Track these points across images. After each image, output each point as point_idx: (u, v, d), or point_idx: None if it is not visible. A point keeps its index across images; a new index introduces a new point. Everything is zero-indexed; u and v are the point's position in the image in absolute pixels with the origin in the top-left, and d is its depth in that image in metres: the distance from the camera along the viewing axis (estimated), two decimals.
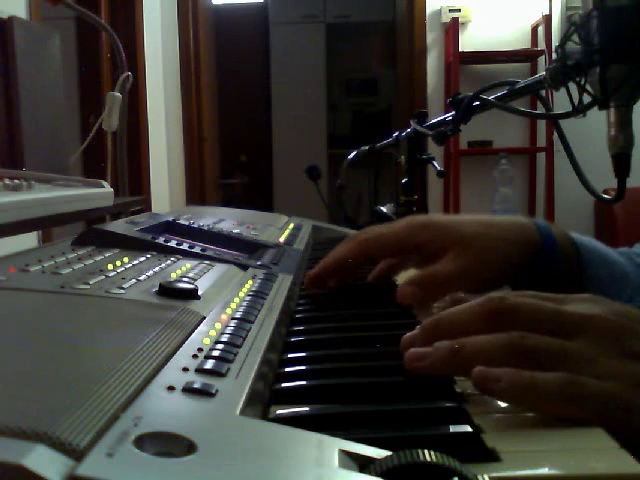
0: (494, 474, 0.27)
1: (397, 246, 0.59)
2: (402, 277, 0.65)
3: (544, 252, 0.58)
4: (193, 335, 0.39)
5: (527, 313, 0.38)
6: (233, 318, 0.44)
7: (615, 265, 0.61)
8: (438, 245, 0.57)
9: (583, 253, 0.60)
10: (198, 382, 0.31)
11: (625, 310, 0.38)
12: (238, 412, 0.29)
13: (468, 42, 3.53)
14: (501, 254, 0.57)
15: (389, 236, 0.59)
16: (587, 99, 0.70)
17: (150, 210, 1.96)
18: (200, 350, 0.36)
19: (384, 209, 1.40)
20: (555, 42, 3.34)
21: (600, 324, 0.37)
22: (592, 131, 2.12)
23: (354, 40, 5.61)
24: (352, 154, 1.57)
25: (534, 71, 3.54)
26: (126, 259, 0.57)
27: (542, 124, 3.52)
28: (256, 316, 0.46)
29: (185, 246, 0.66)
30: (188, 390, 0.30)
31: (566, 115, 0.76)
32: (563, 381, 0.33)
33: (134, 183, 2.47)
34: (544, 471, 0.28)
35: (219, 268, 0.60)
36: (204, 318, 0.43)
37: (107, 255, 0.59)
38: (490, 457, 0.29)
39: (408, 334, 0.41)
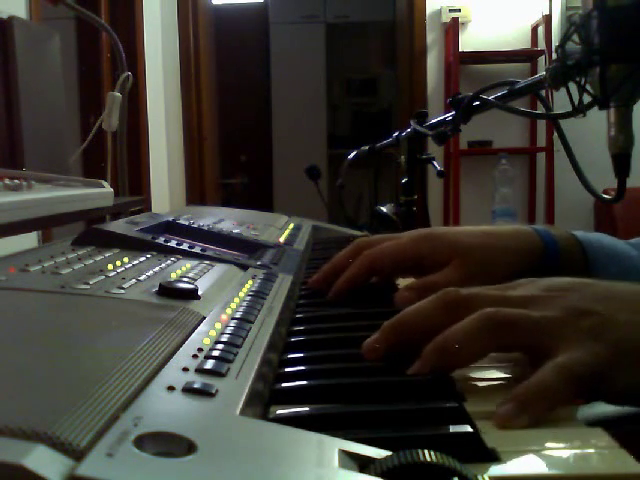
0: (494, 474, 0.27)
1: (400, 258, 0.59)
2: (403, 282, 0.65)
3: (547, 258, 0.58)
4: (193, 335, 0.39)
5: (480, 301, 0.41)
6: (233, 318, 0.44)
7: (626, 260, 0.60)
8: (440, 256, 0.57)
9: (589, 252, 0.60)
10: (198, 382, 0.31)
11: (563, 281, 0.42)
12: (238, 412, 0.29)
13: (468, 42, 3.53)
14: (503, 264, 0.57)
15: (393, 248, 0.60)
16: (587, 99, 0.70)
17: (150, 210, 1.96)
18: (200, 350, 0.36)
19: (384, 209, 1.39)
20: (555, 42, 3.34)
21: (540, 300, 0.40)
22: (592, 131, 2.12)
23: (354, 40, 5.61)
24: (352, 154, 1.57)
25: (534, 71, 3.54)
26: (126, 259, 0.57)
27: (542, 124, 3.52)
28: (256, 316, 0.46)
29: (185, 246, 0.66)
30: (188, 390, 0.30)
31: (566, 115, 0.76)
32: (555, 370, 0.35)
33: (134, 183, 2.47)
34: (544, 471, 0.28)
35: (219, 268, 0.60)
36: (204, 318, 0.43)
37: (107, 255, 0.59)
38: (490, 457, 0.29)
39: (369, 340, 0.42)
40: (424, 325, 0.41)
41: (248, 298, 0.50)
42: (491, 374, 0.41)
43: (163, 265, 0.57)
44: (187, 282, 0.50)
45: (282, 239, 0.86)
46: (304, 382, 0.38)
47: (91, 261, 0.55)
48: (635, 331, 0.37)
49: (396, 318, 0.42)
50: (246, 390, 0.32)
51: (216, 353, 0.35)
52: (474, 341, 0.38)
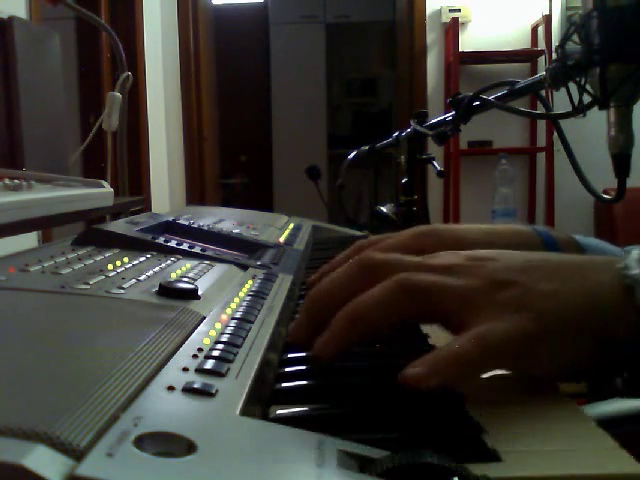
0: (494, 474, 0.27)
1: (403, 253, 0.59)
2: None
3: None
4: (193, 335, 0.39)
5: (396, 266, 0.40)
6: (233, 318, 0.44)
7: None
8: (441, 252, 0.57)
9: (589, 252, 0.60)
10: (198, 382, 0.31)
11: (487, 251, 0.42)
12: (238, 412, 0.29)
13: (468, 42, 3.53)
14: None
15: (395, 245, 0.60)
16: (587, 99, 0.70)
17: (150, 210, 1.96)
18: (200, 350, 0.36)
19: (384, 209, 1.39)
20: (555, 42, 3.34)
21: (460, 269, 0.39)
22: (592, 131, 2.13)
23: (354, 40, 5.61)
24: (352, 154, 1.57)
25: (534, 71, 3.54)
26: (126, 259, 0.57)
27: (542, 124, 3.52)
28: (256, 316, 0.46)
29: (185, 246, 0.66)
30: (188, 390, 0.30)
31: (566, 115, 0.76)
32: (473, 339, 0.35)
33: (134, 183, 2.47)
34: (544, 471, 0.28)
35: (219, 268, 0.60)
36: (204, 318, 0.43)
37: (107, 255, 0.59)
38: (490, 457, 0.29)
39: (292, 324, 0.42)
40: (341, 294, 0.39)
41: (248, 298, 0.50)
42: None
43: (163, 265, 0.57)
44: (187, 282, 0.50)
45: (282, 239, 0.86)
46: (304, 382, 0.38)
47: (91, 261, 0.55)
48: (558, 301, 0.36)
49: (312, 290, 0.42)
50: (246, 390, 0.32)
51: (216, 353, 0.35)
52: (385, 307, 0.37)
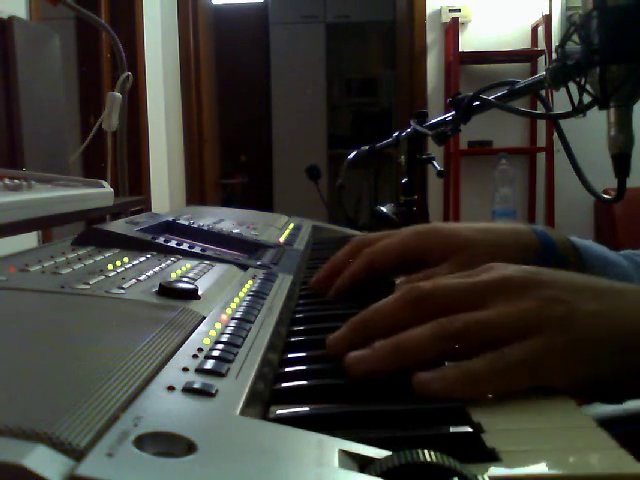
0: (494, 474, 0.27)
1: (402, 254, 0.59)
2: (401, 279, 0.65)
3: (543, 257, 0.58)
4: (193, 335, 0.39)
5: (443, 295, 0.41)
6: (233, 318, 0.44)
7: (617, 269, 0.60)
8: (441, 251, 0.57)
9: (585, 257, 0.60)
10: (198, 382, 0.31)
11: (536, 268, 0.42)
12: (238, 412, 0.29)
13: (468, 42, 3.53)
14: (501, 259, 0.57)
15: (394, 244, 0.59)
16: (587, 99, 0.70)
17: (150, 210, 1.96)
18: (200, 350, 0.36)
19: (384, 209, 1.39)
20: (555, 42, 3.34)
21: (509, 282, 0.40)
22: (592, 131, 2.13)
23: (354, 40, 5.61)
24: (352, 154, 1.57)
25: (534, 71, 3.54)
26: (126, 259, 0.57)
27: (542, 124, 3.52)
28: (256, 316, 0.46)
29: (185, 246, 0.66)
30: (188, 390, 0.30)
31: (566, 115, 0.76)
32: (490, 360, 0.36)
33: (134, 183, 2.47)
34: (544, 471, 0.28)
35: (219, 268, 0.60)
36: (204, 318, 0.43)
37: (107, 255, 0.59)
38: (490, 457, 0.29)
39: (334, 335, 0.42)
40: (387, 324, 0.41)
41: (248, 298, 0.50)
42: None
43: (163, 265, 0.57)
44: (187, 282, 0.50)
45: (282, 239, 0.86)
46: (304, 382, 0.38)
47: (91, 261, 0.55)
48: (602, 321, 0.37)
49: (361, 316, 0.42)
50: (246, 390, 0.32)
51: (216, 353, 0.35)
52: (428, 351, 0.38)
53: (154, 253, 0.62)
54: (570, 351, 0.36)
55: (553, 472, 0.28)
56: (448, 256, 0.57)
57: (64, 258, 0.55)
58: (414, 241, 0.59)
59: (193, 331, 0.40)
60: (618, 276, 0.60)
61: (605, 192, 0.80)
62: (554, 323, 0.37)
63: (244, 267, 0.64)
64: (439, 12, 3.60)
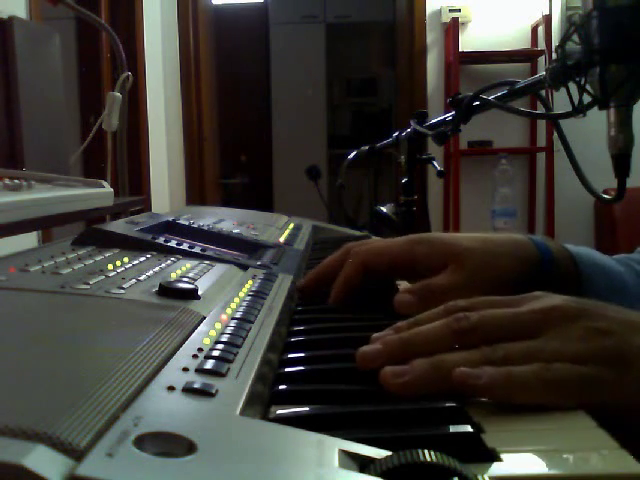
0: (494, 474, 0.27)
1: (396, 260, 0.58)
2: (403, 284, 0.65)
3: (542, 267, 0.58)
4: (193, 335, 0.39)
5: (489, 325, 0.40)
6: (233, 318, 0.44)
7: (614, 275, 0.60)
8: (437, 260, 0.56)
9: (581, 266, 0.60)
10: (198, 382, 0.31)
11: (581, 299, 0.41)
12: (238, 412, 0.29)
13: (468, 42, 3.53)
14: (499, 269, 0.57)
15: (387, 251, 0.59)
16: (587, 99, 0.70)
17: (150, 210, 1.96)
18: (200, 350, 0.36)
19: (384, 209, 1.39)
20: (555, 42, 3.34)
21: (557, 313, 0.39)
22: (592, 131, 2.12)
23: (354, 40, 5.61)
24: (352, 154, 1.57)
25: (534, 71, 3.54)
26: (126, 259, 0.57)
27: (542, 124, 3.52)
28: (256, 316, 0.46)
29: (185, 246, 0.66)
30: (188, 390, 0.30)
31: (566, 115, 0.76)
32: (538, 368, 0.35)
33: (134, 183, 2.47)
34: (544, 471, 0.28)
35: (219, 268, 0.60)
36: (204, 318, 0.43)
37: (107, 255, 0.59)
38: (490, 457, 0.29)
39: (367, 348, 0.40)
40: (428, 349, 0.39)
41: (248, 298, 0.50)
42: None
43: (163, 265, 0.57)
44: (187, 282, 0.50)
45: (282, 239, 0.86)
46: (304, 382, 0.38)
47: (91, 261, 0.55)
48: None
49: (404, 338, 0.41)
50: (246, 390, 0.32)
51: (216, 353, 0.35)
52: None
53: (154, 253, 0.62)
54: (618, 382, 0.36)
55: (553, 472, 0.28)
56: (443, 264, 0.56)
57: (64, 258, 0.55)
58: (407, 247, 0.58)
59: (193, 331, 0.40)
60: (614, 282, 0.60)
61: (605, 192, 0.80)
62: (605, 354, 0.36)
63: (244, 267, 0.64)
64: (439, 12, 3.60)
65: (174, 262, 0.60)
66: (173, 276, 0.54)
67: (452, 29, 3.47)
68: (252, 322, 0.44)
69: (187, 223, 0.81)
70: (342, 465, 0.25)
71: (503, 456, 0.29)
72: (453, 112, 1.06)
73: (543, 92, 0.92)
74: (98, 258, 0.57)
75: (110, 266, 0.54)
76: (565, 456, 0.29)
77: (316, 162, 1.92)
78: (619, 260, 0.63)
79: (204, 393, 0.30)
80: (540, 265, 0.58)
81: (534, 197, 3.68)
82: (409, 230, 1.28)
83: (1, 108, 1.25)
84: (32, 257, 0.53)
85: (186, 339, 0.38)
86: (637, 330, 0.38)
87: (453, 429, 0.31)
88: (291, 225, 1.02)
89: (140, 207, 1.55)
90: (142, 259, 0.59)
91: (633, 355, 0.36)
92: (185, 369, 0.33)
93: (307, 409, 0.34)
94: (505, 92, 0.97)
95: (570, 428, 0.32)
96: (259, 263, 0.66)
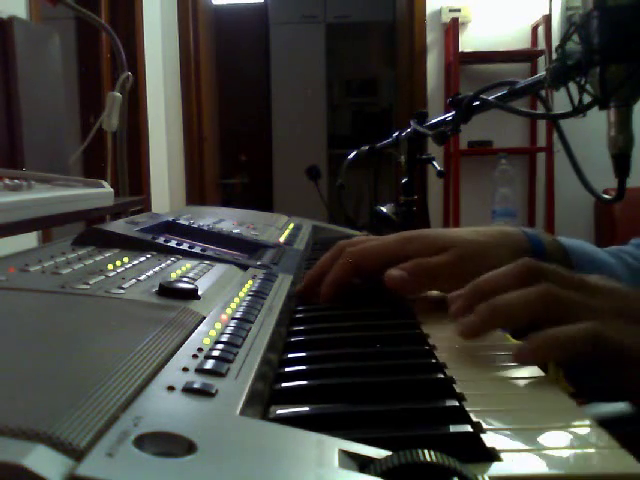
0: (494, 474, 0.27)
1: (385, 256, 0.58)
2: None
3: (534, 257, 0.59)
4: (193, 335, 0.39)
5: (555, 274, 0.45)
6: (233, 318, 0.44)
7: (604, 267, 0.61)
8: (428, 253, 0.57)
9: (573, 257, 0.61)
10: (198, 382, 0.31)
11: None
12: (238, 412, 0.29)
13: (468, 42, 3.53)
14: (490, 259, 0.57)
15: (379, 248, 0.59)
16: (587, 99, 0.70)
17: (150, 210, 1.96)
18: (200, 350, 0.36)
19: (384, 209, 1.39)
20: (555, 42, 3.33)
21: (614, 290, 0.45)
22: (592, 131, 2.13)
23: (354, 40, 5.61)
24: (352, 154, 1.57)
25: (534, 71, 3.54)
26: (126, 259, 0.57)
27: (542, 124, 3.52)
28: (256, 316, 0.46)
29: (185, 246, 0.66)
30: (188, 390, 0.30)
31: (566, 115, 0.76)
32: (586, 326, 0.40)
33: (134, 183, 2.47)
34: (544, 471, 0.28)
35: (219, 268, 0.60)
36: (204, 318, 0.43)
37: (107, 255, 0.59)
38: (490, 457, 0.29)
39: (455, 292, 0.48)
40: (499, 293, 0.44)
41: (248, 298, 0.50)
42: (491, 374, 0.41)
43: (163, 265, 0.57)
44: (187, 282, 0.50)
45: (282, 239, 0.86)
46: (304, 382, 0.38)
47: (91, 261, 0.55)
48: None
49: (474, 283, 0.47)
50: (246, 390, 0.32)
51: (216, 353, 0.35)
52: (523, 309, 0.43)
53: (154, 253, 0.62)
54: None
55: (553, 472, 0.28)
56: (438, 253, 0.56)
57: (64, 258, 0.55)
58: (399, 244, 0.59)
59: (193, 331, 0.40)
60: (605, 274, 0.60)
61: (605, 192, 0.80)
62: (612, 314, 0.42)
63: (244, 267, 0.64)
64: (439, 12, 3.60)
65: (174, 262, 0.60)
66: (173, 276, 0.54)
67: (452, 29, 3.47)
68: (252, 322, 0.44)
69: (187, 223, 0.81)
70: (342, 465, 0.25)
71: (503, 456, 0.29)
72: (453, 112, 1.06)
73: (543, 92, 0.92)
74: (98, 258, 0.57)
75: (110, 266, 0.54)
76: (565, 456, 0.29)
77: (316, 162, 1.92)
78: (611, 252, 0.64)
79: (204, 393, 0.30)
80: (531, 255, 0.58)
81: (534, 197, 3.68)
82: (409, 230, 1.28)
83: (1, 108, 1.25)
84: (32, 257, 0.53)
85: (186, 339, 0.38)
86: None
87: (453, 429, 0.31)
88: (291, 225, 1.02)
89: (140, 207, 1.55)
90: (142, 259, 0.59)
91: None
92: (185, 369, 0.33)
93: (307, 409, 0.34)
94: (505, 92, 0.97)
95: (570, 428, 0.32)
96: (259, 263, 0.66)
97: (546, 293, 0.43)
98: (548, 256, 0.59)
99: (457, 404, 0.34)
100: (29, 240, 1.67)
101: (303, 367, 0.41)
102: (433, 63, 3.67)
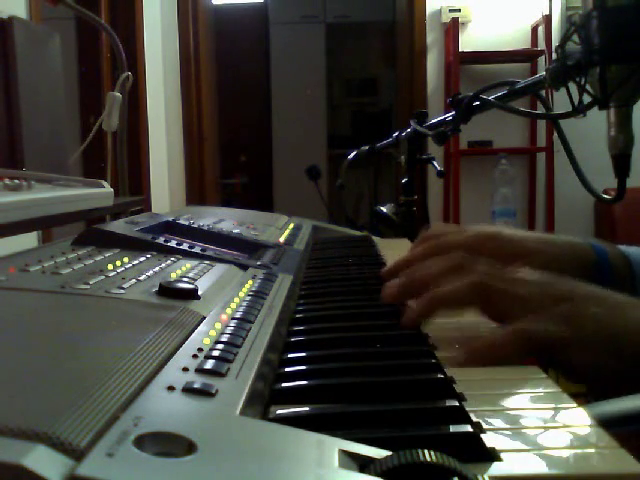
0: (494, 474, 0.27)
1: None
2: None
3: (599, 271, 0.60)
4: (193, 335, 0.39)
5: (485, 265, 0.51)
6: (233, 318, 0.44)
7: None
8: (504, 256, 0.58)
9: (634, 266, 0.62)
10: (198, 382, 0.31)
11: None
12: (238, 412, 0.29)
13: (468, 42, 3.53)
14: (556, 271, 0.58)
15: (461, 244, 0.60)
16: (587, 99, 0.70)
17: (150, 210, 1.96)
18: (200, 350, 0.36)
19: (384, 209, 1.39)
20: (555, 42, 3.33)
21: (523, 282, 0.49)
22: (592, 131, 2.12)
23: (354, 40, 5.61)
24: (352, 154, 1.57)
25: (534, 71, 3.54)
26: (126, 259, 0.57)
27: (542, 124, 3.52)
28: (256, 316, 0.46)
29: (185, 246, 0.66)
30: (188, 390, 0.30)
31: (566, 115, 0.76)
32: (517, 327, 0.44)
33: (134, 183, 2.47)
34: (544, 471, 0.28)
35: (219, 268, 0.60)
36: (204, 318, 0.43)
37: (107, 255, 0.59)
38: (490, 457, 0.29)
39: (410, 311, 0.51)
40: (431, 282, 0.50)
41: (248, 298, 0.50)
42: (491, 374, 0.41)
43: (163, 265, 0.57)
44: (187, 282, 0.50)
45: (282, 239, 0.86)
46: (304, 382, 0.38)
47: (91, 261, 0.55)
48: (595, 322, 0.44)
49: (411, 272, 0.54)
50: (246, 390, 0.32)
51: (216, 353, 0.35)
52: (459, 300, 0.48)
53: (154, 253, 0.62)
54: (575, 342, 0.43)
55: (553, 472, 0.28)
56: (510, 261, 0.56)
57: (64, 258, 0.55)
58: (478, 240, 0.62)
59: (193, 331, 0.40)
60: None
61: (605, 192, 0.80)
62: (560, 315, 0.44)
63: (244, 267, 0.64)
64: (439, 12, 3.60)
65: (174, 262, 0.60)
66: (173, 276, 0.54)
67: (452, 29, 3.47)
68: (252, 322, 0.44)
69: (187, 223, 0.81)
70: (342, 465, 0.25)
71: (503, 456, 0.29)
72: (453, 112, 1.06)
73: (543, 92, 0.92)
74: (98, 258, 0.57)
75: (110, 266, 0.54)
76: (565, 456, 0.29)
77: (316, 162, 1.92)
78: None
79: (204, 393, 0.30)
80: (597, 269, 0.60)
81: (534, 197, 3.67)
82: (409, 230, 1.28)
83: (1, 108, 1.25)
84: (32, 257, 0.53)
85: (186, 339, 0.38)
86: (591, 302, 0.46)
87: (453, 429, 0.31)
88: (291, 225, 1.02)
89: (140, 207, 1.55)
90: (142, 259, 0.59)
91: (582, 319, 0.44)
92: (185, 369, 0.33)
93: (307, 409, 0.34)
94: (505, 92, 0.97)
95: (570, 428, 0.32)
96: (259, 263, 0.66)
97: (477, 285, 0.48)
98: (612, 269, 0.61)
99: (457, 404, 0.34)
100: (29, 240, 1.67)
101: (303, 367, 0.41)
102: (433, 63, 3.67)
